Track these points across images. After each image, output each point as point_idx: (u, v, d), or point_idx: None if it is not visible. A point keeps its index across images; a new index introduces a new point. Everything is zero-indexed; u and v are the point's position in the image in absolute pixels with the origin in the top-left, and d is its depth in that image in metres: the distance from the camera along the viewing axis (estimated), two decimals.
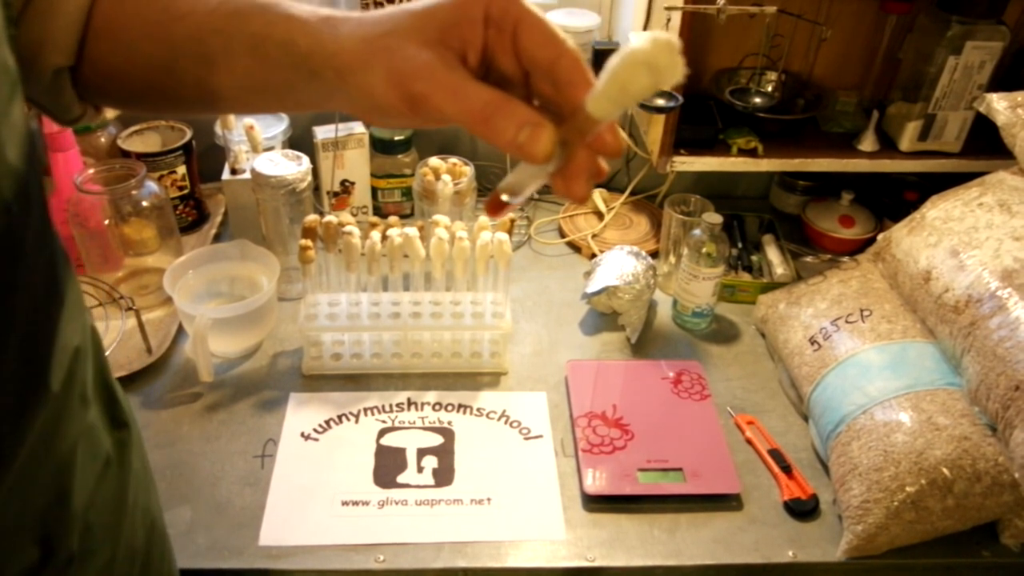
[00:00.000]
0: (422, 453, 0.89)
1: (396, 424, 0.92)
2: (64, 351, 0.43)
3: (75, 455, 0.45)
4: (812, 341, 0.96)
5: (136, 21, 0.46)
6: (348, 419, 0.92)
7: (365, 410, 0.94)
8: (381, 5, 1.17)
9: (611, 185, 1.33)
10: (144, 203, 1.03)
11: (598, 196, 1.28)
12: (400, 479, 0.86)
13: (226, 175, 1.10)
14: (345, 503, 0.83)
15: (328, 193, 1.19)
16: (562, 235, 1.25)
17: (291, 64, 0.42)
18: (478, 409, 0.94)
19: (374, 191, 1.23)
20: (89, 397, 0.47)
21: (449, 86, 0.37)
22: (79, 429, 0.46)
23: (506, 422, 0.93)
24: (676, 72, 0.33)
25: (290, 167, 1.01)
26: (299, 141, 1.19)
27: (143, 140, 1.16)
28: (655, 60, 0.33)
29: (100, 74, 0.48)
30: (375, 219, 0.97)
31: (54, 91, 0.47)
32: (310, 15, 0.42)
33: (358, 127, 1.17)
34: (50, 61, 0.46)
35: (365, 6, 1.17)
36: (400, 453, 0.88)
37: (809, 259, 1.16)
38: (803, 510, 0.84)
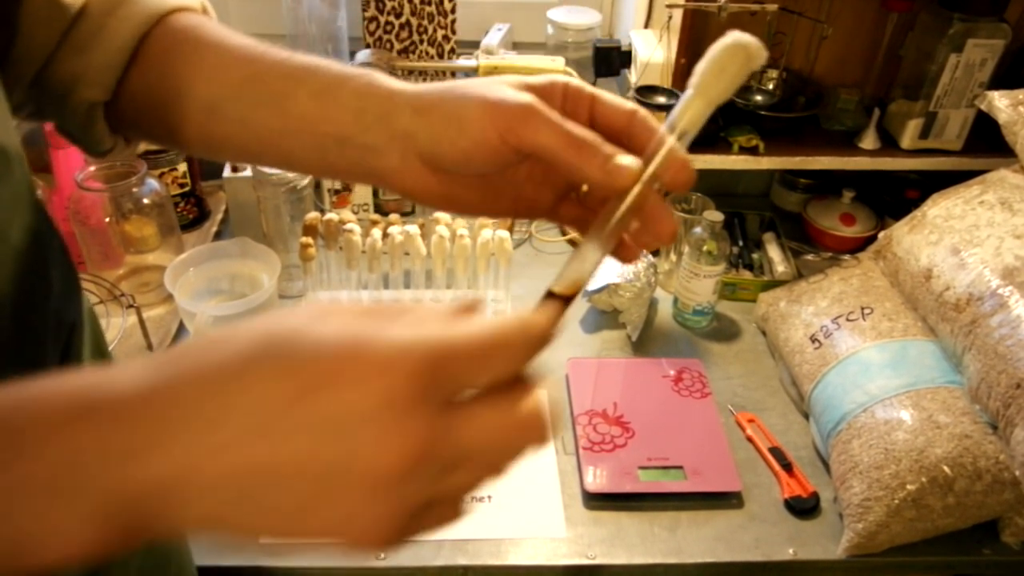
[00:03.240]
0: None
1: None
2: (61, 327, 0.44)
3: None
4: (813, 339, 0.96)
5: (192, 63, 0.46)
6: None
7: None
8: (383, 4, 1.17)
9: None
10: (145, 200, 1.03)
11: None
12: None
13: (227, 173, 1.10)
14: None
15: (329, 191, 1.19)
16: (563, 233, 1.25)
17: (358, 109, 0.43)
18: None
19: (375, 189, 1.23)
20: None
21: (546, 116, 0.39)
22: None
23: None
24: (762, 53, 0.38)
25: None
26: None
27: None
28: (747, 41, 0.38)
29: (140, 110, 0.48)
30: (376, 217, 0.97)
31: (87, 124, 0.47)
32: (389, 77, 0.44)
33: None
34: (85, 96, 0.46)
35: (365, 5, 1.17)
36: None
37: (810, 257, 1.16)
38: (804, 508, 0.84)
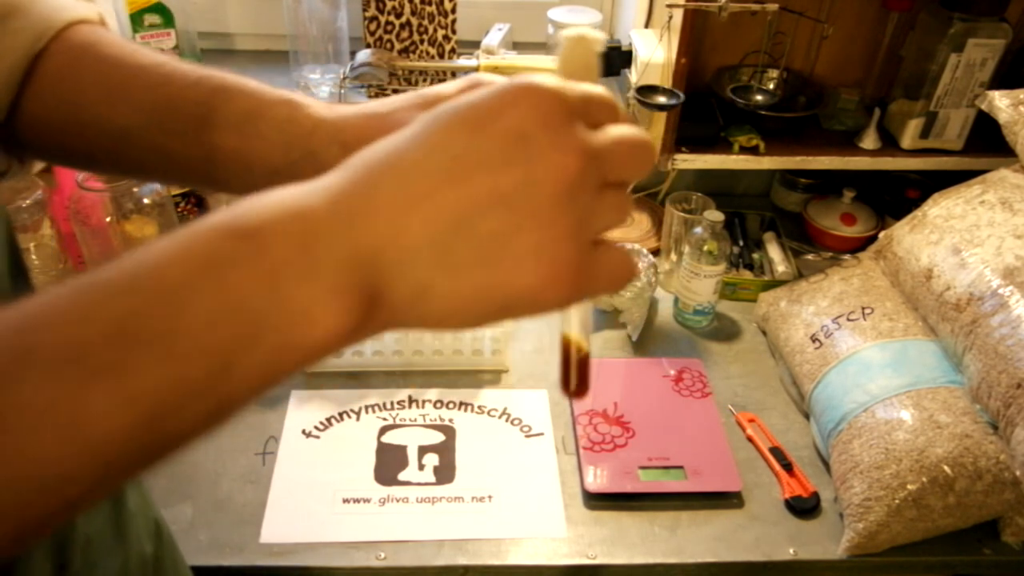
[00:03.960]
0: (423, 451, 0.89)
1: (397, 421, 0.92)
2: None
3: None
4: (813, 339, 0.96)
5: (95, 84, 0.44)
6: (349, 416, 0.92)
7: (366, 407, 0.94)
8: (383, 4, 1.17)
9: None
10: (145, 200, 1.03)
11: None
12: (401, 476, 0.86)
13: None
14: (346, 500, 0.83)
15: None
16: None
17: (284, 143, 0.42)
18: (479, 407, 0.95)
19: None
20: None
21: None
22: None
23: (507, 420, 0.93)
24: (599, 36, 0.39)
25: None
26: None
27: None
28: (583, 31, 0.39)
29: (39, 131, 0.45)
30: None
31: None
32: (303, 97, 0.43)
33: None
34: None
35: (366, 5, 1.17)
36: (401, 451, 0.88)
37: (810, 257, 1.16)
38: (804, 508, 0.84)
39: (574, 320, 0.40)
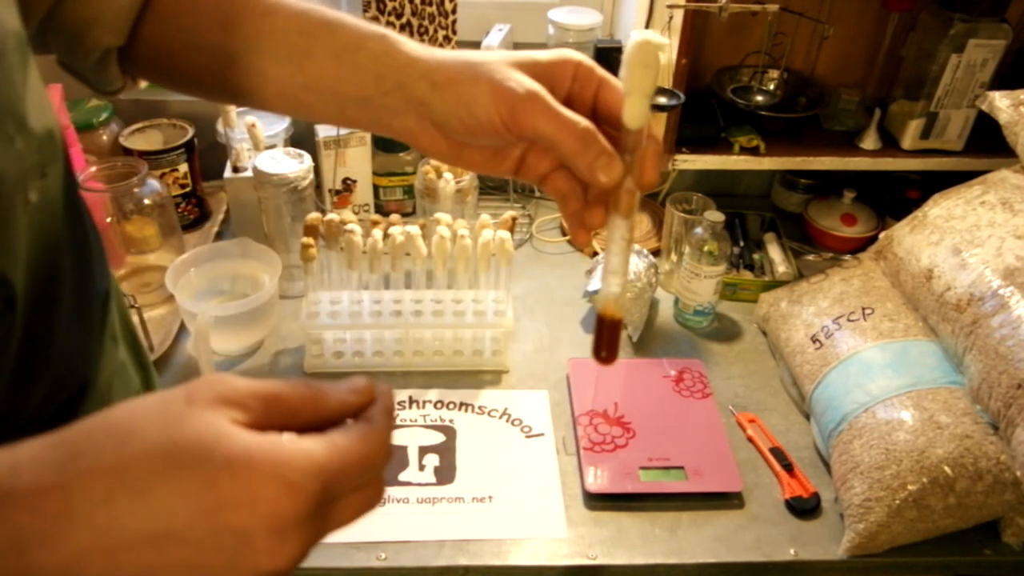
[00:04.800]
0: (424, 451, 0.89)
1: (398, 422, 0.92)
2: (97, 295, 0.47)
3: (112, 390, 0.48)
4: (814, 339, 0.96)
5: (208, 10, 0.47)
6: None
7: None
8: (384, 4, 1.17)
9: None
10: (146, 201, 1.03)
11: None
12: (401, 477, 0.86)
13: (228, 173, 1.10)
14: None
15: (330, 191, 1.19)
16: (563, 233, 1.25)
17: (377, 73, 0.45)
18: (479, 407, 0.95)
19: (376, 189, 1.23)
20: (117, 336, 0.50)
21: (551, 107, 0.42)
22: (113, 365, 0.49)
23: (507, 420, 0.93)
24: (663, 41, 0.41)
25: (292, 165, 1.01)
26: (301, 139, 1.19)
27: (145, 138, 1.16)
28: (649, 36, 0.41)
29: (153, 54, 0.49)
30: (377, 217, 0.97)
31: (100, 67, 0.49)
32: (398, 35, 0.46)
33: None
34: (100, 40, 0.47)
35: (366, 6, 1.17)
36: (401, 451, 0.88)
37: (811, 257, 1.16)
38: (805, 508, 0.84)
39: (610, 290, 0.44)
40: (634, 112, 0.42)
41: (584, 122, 0.42)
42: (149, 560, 0.28)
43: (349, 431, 0.32)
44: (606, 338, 0.46)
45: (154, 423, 0.29)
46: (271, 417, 0.31)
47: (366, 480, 0.33)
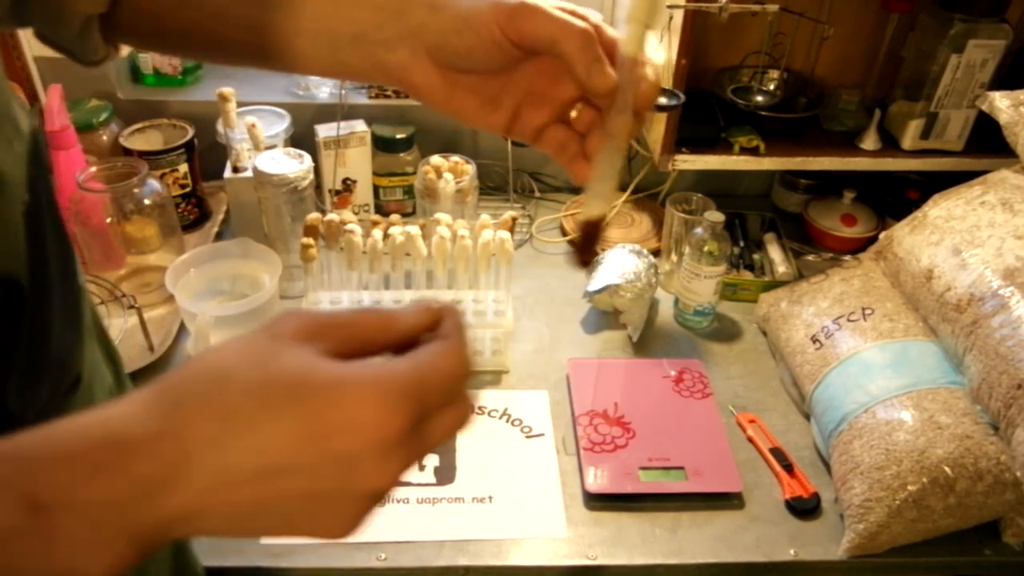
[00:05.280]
0: None
1: None
2: (79, 290, 0.48)
3: (93, 386, 0.49)
4: (814, 339, 0.96)
5: None
6: None
7: None
8: None
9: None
10: (146, 201, 1.03)
11: None
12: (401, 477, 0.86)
13: (228, 173, 1.10)
14: None
15: (330, 191, 1.19)
16: (564, 233, 1.25)
17: (376, 5, 0.44)
18: (479, 407, 0.95)
19: (376, 189, 1.23)
20: (92, 330, 0.51)
21: (549, 11, 0.42)
22: (92, 360, 0.50)
23: (507, 420, 0.93)
24: None
25: (292, 165, 1.01)
26: (301, 139, 1.19)
27: (145, 138, 1.16)
28: None
29: (137, 17, 0.48)
30: (377, 217, 0.97)
31: (82, 36, 0.48)
32: None
33: (360, 125, 1.17)
34: (81, 8, 0.46)
35: None
36: None
37: (811, 258, 1.16)
38: (805, 508, 0.84)
39: (594, 195, 0.45)
40: (630, 37, 0.44)
41: (584, 23, 0.42)
42: (263, 494, 0.30)
43: (430, 349, 0.33)
44: (587, 242, 0.46)
45: (247, 364, 0.30)
46: (350, 344, 0.33)
47: (454, 396, 0.34)
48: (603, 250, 1.12)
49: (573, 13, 0.43)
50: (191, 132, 1.15)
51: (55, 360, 0.44)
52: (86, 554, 0.28)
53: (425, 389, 0.32)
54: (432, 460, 0.88)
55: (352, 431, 0.30)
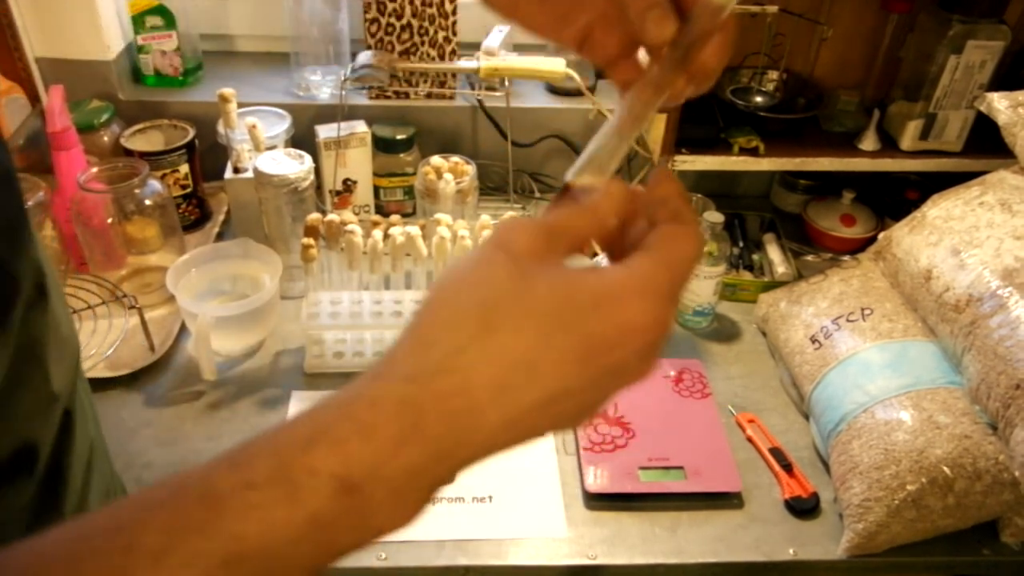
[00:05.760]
0: None
1: None
2: (56, 278, 0.47)
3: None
4: (813, 340, 0.96)
5: None
6: None
7: None
8: (384, 5, 1.17)
9: None
10: (147, 201, 1.03)
11: None
12: None
13: (229, 174, 1.10)
14: None
15: (330, 192, 1.20)
16: None
17: None
18: None
19: (376, 190, 1.23)
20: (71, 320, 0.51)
21: None
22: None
23: None
24: None
25: (292, 166, 1.02)
26: (301, 140, 1.19)
27: (146, 139, 1.16)
28: None
29: None
30: (377, 218, 0.97)
31: None
32: None
33: (360, 126, 1.17)
34: None
35: (367, 7, 1.17)
36: None
37: (810, 258, 1.16)
38: (804, 508, 0.85)
39: (592, 160, 0.37)
40: None
41: None
42: (544, 421, 0.31)
43: (673, 240, 0.33)
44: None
45: (507, 295, 0.30)
46: (577, 246, 0.34)
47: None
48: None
49: None
50: (192, 133, 1.16)
51: (68, 348, 0.44)
52: (393, 515, 0.30)
53: (680, 284, 0.33)
54: None
55: (625, 343, 0.31)
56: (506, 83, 1.19)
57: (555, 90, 1.29)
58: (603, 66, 0.42)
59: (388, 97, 1.25)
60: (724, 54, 0.37)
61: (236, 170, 1.10)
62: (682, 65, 0.37)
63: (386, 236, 0.93)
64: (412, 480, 0.29)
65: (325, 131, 1.16)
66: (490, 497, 0.84)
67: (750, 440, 0.93)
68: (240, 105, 1.10)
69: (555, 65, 1.12)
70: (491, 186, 1.30)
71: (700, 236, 0.34)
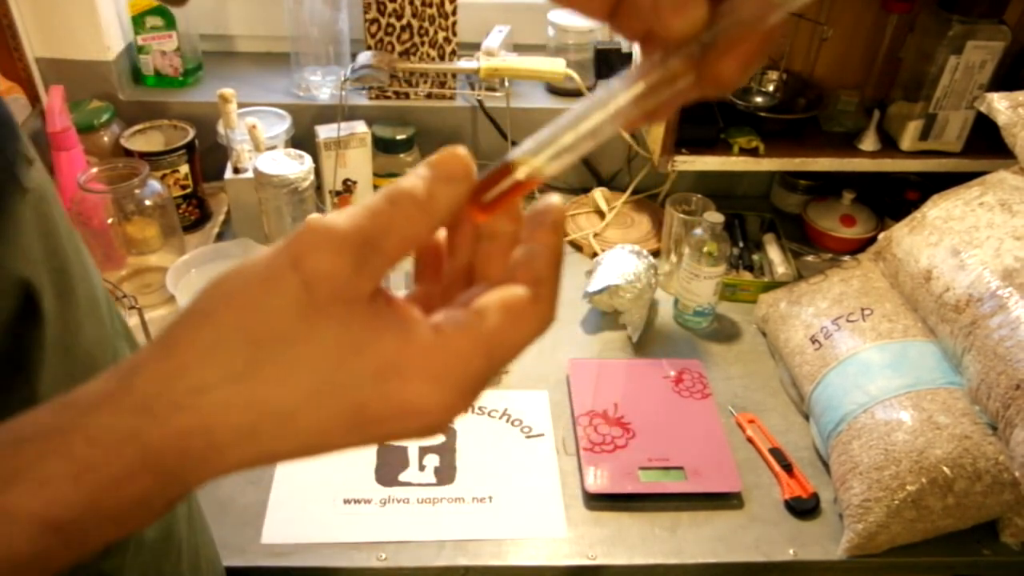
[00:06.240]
0: (424, 451, 0.89)
1: None
2: (98, 285, 0.49)
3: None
4: (813, 340, 0.96)
5: None
6: None
7: None
8: (384, 5, 1.17)
9: (612, 184, 1.33)
10: (147, 202, 1.03)
11: (599, 195, 1.28)
12: (402, 477, 0.86)
13: (229, 174, 1.10)
14: (347, 501, 0.83)
15: (330, 192, 1.20)
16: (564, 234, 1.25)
17: None
18: (479, 407, 0.95)
19: (376, 190, 1.23)
20: (120, 333, 0.52)
21: None
22: (120, 354, 0.50)
23: (508, 421, 0.93)
24: None
25: (292, 166, 1.02)
26: (301, 140, 1.19)
27: (146, 139, 1.16)
28: None
29: None
30: None
31: None
32: None
33: (360, 126, 1.17)
34: None
35: (367, 7, 1.17)
36: (402, 451, 0.89)
37: (810, 258, 1.17)
38: (804, 509, 0.85)
39: (557, 143, 0.30)
40: None
41: None
42: (296, 459, 0.28)
43: (509, 312, 0.28)
44: (496, 193, 0.30)
45: (283, 337, 0.26)
46: (403, 254, 0.28)
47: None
48: (602, 251, 1.12)
49: None
50: (192, 133, 1.16)
51: (84, 358, 0.43)
52: (118, 534, 0.27)
53: (496, 371, 0.28)
54: (432, 460, 0.88)
55: (399, 422, 0.27)
56: (506, 83, 1.19)
57: (555, 90, 1.29)
58: (637, 40, 0.33)
59: (388, 97, 1.25)
60: (749, 65, 0.30)
61: (236, 170, 1.10)
62: (693, 63, 0.30)
63: None
64: (138, 507, 0.27)
65: (325, 131, 1.16)
66: (490, 497, 0.84)
67: (750, 440, 0.93)
68: (240, 105, 1.10)
69: (555, 65, 1.12)
70: None
71: (548, 317, 0.29)
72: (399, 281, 0.96)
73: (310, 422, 0.27)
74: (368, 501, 0.83)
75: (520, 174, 0.29)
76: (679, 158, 1.10)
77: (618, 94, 0.30)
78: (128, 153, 1.12)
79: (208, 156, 1.20)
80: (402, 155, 1.20)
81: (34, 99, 1.17)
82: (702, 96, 0.31)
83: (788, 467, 0.89)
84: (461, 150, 0.29)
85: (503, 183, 0.29)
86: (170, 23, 1.21)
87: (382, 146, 1.20)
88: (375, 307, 0.27)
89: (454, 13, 1.19)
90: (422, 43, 1.21)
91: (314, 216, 0.27)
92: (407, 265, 0.33)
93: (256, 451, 0.27)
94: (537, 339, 0.29)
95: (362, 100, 1.25)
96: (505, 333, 0.28)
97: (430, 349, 0.27)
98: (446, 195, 0.28)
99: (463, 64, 1.14)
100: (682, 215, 1.12)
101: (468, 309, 0.28)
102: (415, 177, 0.28)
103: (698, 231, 1.04)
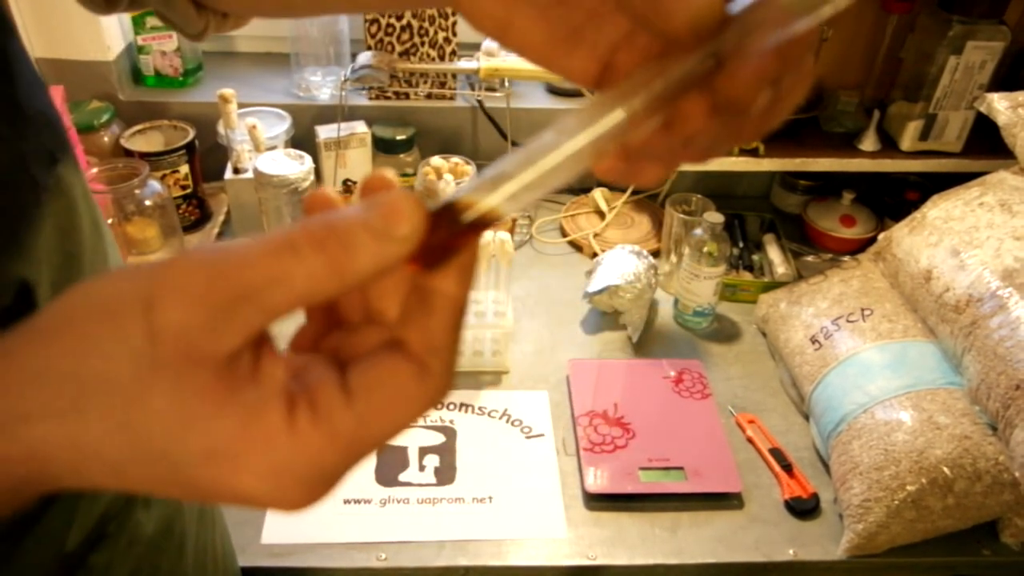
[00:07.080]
0: (424, 452, 0.89)
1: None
2: None
3: None
4: (813, 340, 0.96)
5: None
6: None
7: None
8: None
9: (612, 185, 1.33)
10: (147, 202, 1.03)
11: (599, 195, 1.28)
12: (402, 477, 0.86)
13: (229, 174, 1.10)
14: (347, 501, 0.83)
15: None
16: (563, 234, 1.25)
17: None
18: (480, 408, 0.95)
19: None
20: None
21: None
22: None
23: (508, 421, 0.93)
24: None
25: (292, 166, 1.02)
26: (301, 140, 1.19)
27: (146, 139, 1.16)
28: None
29: None
30: None
31: (168, 5, 0.45)
32: None
33: (360, 127, 1.17)
34: None
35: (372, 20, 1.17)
36: (402, 452, 0.89)
37: (810, 258, 1.16)
38: (804, 509, 0.85)
39: (517, 180, 0.24)
40: None
41: None
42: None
43: (389, 390, 0.24)
44: (441, 243, 0.24)
45: (113, 392, 0.23)
46: (282, 311, 0.23)
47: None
48: (602, 251, 1.12)
49: None
50: (192, 133, 1.16)
51: None
52: None
53: (358, 461, 0.25)
54: (432, 460, 0.88)
55: (231, 501, 0.24)
56: (506, 83, 1.19)
57: (555, 90, 1.29)
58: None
59: (388, 98, 1.25)
60: (764, 81, 0.25)
61: (236, 170, 1.10)
62: (704, 79, 0.24)
63: None
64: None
65: (325, 132, 1.16)
66: (490, 498, 0.84)
67: (750, 441, 0.93)
68: (240, 105, 1.10)
69: None
70: None
71: (439, 392, 0.25)
72: None
73: (141, 479, 0.24)
74: (368, 501, 0.83)
75: (470, 215, 0.24)
76: None
77: (590, 123, 0.24)
78: (128, 153, 1.12)
79: (208, 156, 1.20)
80: (402, 155, 1.20)
81: None
82: (706, 152, 0.26)
83: (788, 467, 0.89)
84: (415, 197, 0.23)
85: (451, 229, 0.23)
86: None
87: (382, 146, 1.20)
88: (229, 373, 0.23)
89: (454, 13, 1.19)
90: (422, 43, 1.21)
91: (192, 249, 0.23)
92: None
93: (93, 484, 0.24)
94: (422, 416, 0.25)
95: (362, 100, 1.25)
96: (374, 423, 0.24)
97: (273, 441, 0.23)
98: (373, 257, 0.23)
99: (463, 64, 1.15)
100: (682, 215, 1.12)
101: (331, 392, 0.24)
102: (346, 218, 0.23)
103: (698, 231, 1.04)
